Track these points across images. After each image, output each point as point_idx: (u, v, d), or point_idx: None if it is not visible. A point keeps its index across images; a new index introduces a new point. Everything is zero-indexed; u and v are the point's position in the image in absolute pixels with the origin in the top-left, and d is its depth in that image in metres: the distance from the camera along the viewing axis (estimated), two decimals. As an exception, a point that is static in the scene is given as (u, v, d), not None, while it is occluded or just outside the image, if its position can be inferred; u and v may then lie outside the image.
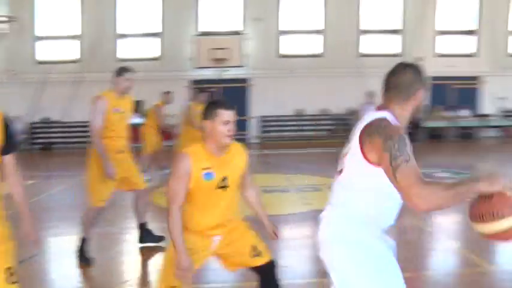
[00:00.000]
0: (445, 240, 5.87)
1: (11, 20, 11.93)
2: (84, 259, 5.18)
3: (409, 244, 5.62)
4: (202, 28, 19.48)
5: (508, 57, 20.41)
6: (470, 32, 20.65)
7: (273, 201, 8.33)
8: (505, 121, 20.13)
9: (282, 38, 19.85)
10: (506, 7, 20.37)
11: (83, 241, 5.23)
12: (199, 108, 8.64)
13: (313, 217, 6.65)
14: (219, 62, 18.61)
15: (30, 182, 10.63)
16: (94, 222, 5.40)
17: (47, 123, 19.14)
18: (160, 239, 5.76)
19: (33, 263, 5.24)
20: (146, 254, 5.63)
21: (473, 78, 20.35)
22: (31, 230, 2.83)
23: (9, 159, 2.71)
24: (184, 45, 19.15)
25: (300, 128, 19.81)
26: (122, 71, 5.44)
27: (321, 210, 6.92)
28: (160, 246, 5.58)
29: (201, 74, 19.12)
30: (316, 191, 9.08)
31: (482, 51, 20.33)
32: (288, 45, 19.88)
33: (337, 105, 19.58)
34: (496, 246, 5.81)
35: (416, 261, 5.08)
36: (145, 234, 5.82)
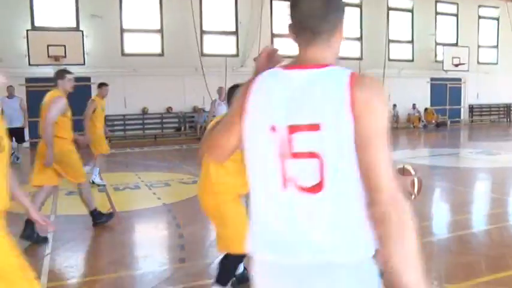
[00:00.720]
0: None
1: None
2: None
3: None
4: (37, 23, 18.49)
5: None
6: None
7: (126, 198, 8.54)
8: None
9: (124, 36, 19.70)
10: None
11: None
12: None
13: (165, 211, 7.13)
14: (56, 59, 17.83)
15: None
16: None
17: None
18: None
19: None
20: None
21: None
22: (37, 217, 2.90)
23: None
24: (18, 41, 17.99)
25: (145, 126, 19.93)
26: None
27: (170, 204, 7.36)
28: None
29: (38, 72, 18.17)
30: (166, 186, 9.41)
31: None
32: (130, 44, 19.81)
33: (181, 104, 20.21)
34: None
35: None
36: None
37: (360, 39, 23.90)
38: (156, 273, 4.87)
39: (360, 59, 23.45)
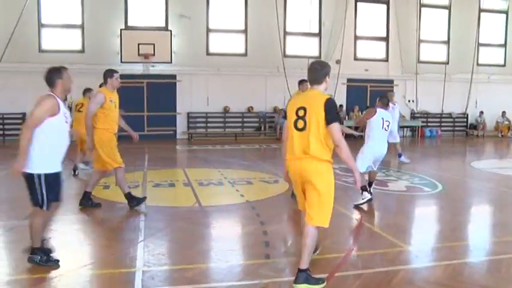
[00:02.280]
0: (369, 225, 6.61)
1: None
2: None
3: (337, 229, 6.34)
4: (129, 23, 19.46)
5: (418, 64, 22.23)
6: (382, 39, 22.27)
7: (210, 193, 8.82)
8: (413, 122, 22.00)
9: (210, 36, 20.25)
10: (417, 17, 22.13)
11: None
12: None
13: (249, 208, 7.30)
14: (146, 57, 18.67)
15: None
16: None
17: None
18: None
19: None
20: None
21: (388, 81, 21.94)
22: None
23: None
24: (111, 39, 19.02)
25: (227, 124, 20.37)
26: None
27: (253, 202, 7.52)
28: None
29: (128, 69, 19.11)
30: (249, 184, 9.61)
31: (393, 56, 22.02)
32: (215, 44, 20.34)
33: (262, 104, 20.49)
34: (409, 229, 6.69)
35: (345, 244, 5.78)
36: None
37: (447, 42, 23.05)
38: (243, 266, 5.02)
39: (446, 63, 22.65)
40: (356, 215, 7.14)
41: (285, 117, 4.76)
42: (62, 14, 19.14)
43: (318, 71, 4.48)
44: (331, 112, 4.23)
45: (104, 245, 5.68)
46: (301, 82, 8.13)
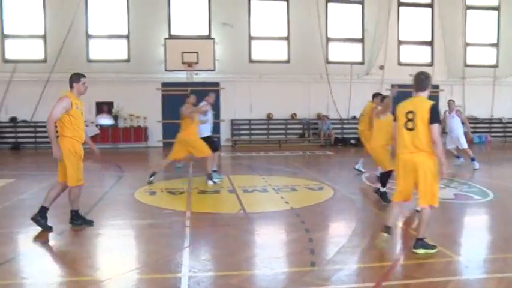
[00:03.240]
0: (415, 234, 6.44)
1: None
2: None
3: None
4: (173, 32, 19.82)
5: (464, 68, 21.65)
6: (427, 43, 21.83)
7: (255, 200, 8.84)
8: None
9: (252, 43, 20.39)
10: (462, 19, 21.59)
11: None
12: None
13: (294, 215, 7.26)
14: (189, 65, 18.96)
15: (10, 180, 10.79)
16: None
17: (14, 123, 18.96)
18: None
19: (13, 264, 5.54)
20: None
21: (433, 86, 21.43)
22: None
23: None
24: (156, 48, 19.42)
25: (270, 131, 20.39)
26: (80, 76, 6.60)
27: (298, 209, 7.48)
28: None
29: (172, 77, 19.47)
30: (293, 191, 9.56)
31: (438, 61, 21.52)
32: (257, 51, 20.46)
33: (305, 110, 20.40)
34: (459, 239, 6.48)
35: (392, 253, 5.66)
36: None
37: (496, 45, 22.36)
38: (287, 274, 4.99)
39: (496, 66, 21.97)
40: (402, 224, 6.98)
41: (394, 119, 5.89)
42: (109, 25, 19.71)
43: (423, 80, 5.63)
44: (434, 115, 5.35)
45: (151, 250, 5.76)
46: (375, 96, 9.47)
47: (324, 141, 19.79)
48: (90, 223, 6.81)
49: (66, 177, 6.52)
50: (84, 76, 6.67)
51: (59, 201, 7.16)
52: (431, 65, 21.66)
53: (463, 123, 13.11)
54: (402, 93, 18.82)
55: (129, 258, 5.56)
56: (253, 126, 20.39)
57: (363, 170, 11.49)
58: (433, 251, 5.47)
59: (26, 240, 6.44)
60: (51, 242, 6.21)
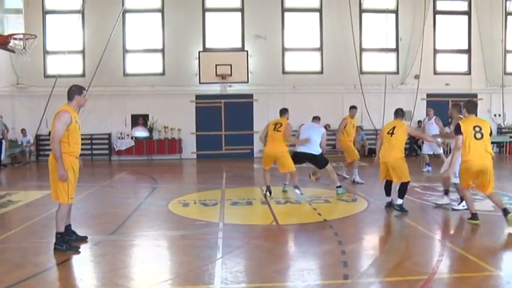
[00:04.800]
0: (453, 247, 6.27)
1: (30, 37, 12.46)
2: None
3: (419, 250, 6.08)
4: (207, 45, 20.08)
5: (503, 76, 21.09)
6: (464, 51, 21.39)
7: (287, 212, 8.82)
8: (500, 137, 20.77)
9: (285, 54, 20.45)
10: (502, 26, 21.08)
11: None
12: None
13: (327, 227, 7.19)
14: (223, 77, 19.14)
15: (48, 192, 11.05)
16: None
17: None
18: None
19: (51, 273, 5.65)
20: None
21: (471, 95, 20.97)
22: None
23: None
24: (190, 61, 19.70)
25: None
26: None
27: (331, 221, 7.39)
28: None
29: (206, 89, 19.69)
30: (326, 202, 9.48)
31: (476, 69, 21.04)
32: (291, 62, 20.50)
33: (339, 121, 20.18)
34: (499, 253, 6.28)
35: (428, 266, 5.51)
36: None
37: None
38: (320, 286, 4.94)
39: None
40: (439, 236, 6.82)
41: (458, 133, 7.18)
42: (144, 39, 20.13)
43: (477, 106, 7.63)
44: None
45: (183, 261, 5.80)
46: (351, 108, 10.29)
47: (358, 152, 19.50)
48: (76, 249, 6.19)
49: (54, 194, 6.18)
50: (85, 89, 6.44)
51: (92, 212, 7.31)
52: (468, 73, 21.22)
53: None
54: (438, 103, 18.69)
55: (162, 268, 5.61)
56: (286, 138, 20.33)
57: (347, 177, 12.48)
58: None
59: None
60: (87, 252, 6.33)
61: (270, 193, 10.11)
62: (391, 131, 8.41)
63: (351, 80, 19.93)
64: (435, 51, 21.10)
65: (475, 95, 20.85)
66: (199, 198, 10.21)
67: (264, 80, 19.74)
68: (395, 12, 20.85)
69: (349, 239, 6.60)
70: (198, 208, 9.21)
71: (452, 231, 7.23)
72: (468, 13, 21.24)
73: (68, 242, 6.23)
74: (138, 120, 19.84)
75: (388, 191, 8.62)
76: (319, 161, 10.54)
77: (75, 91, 6.26)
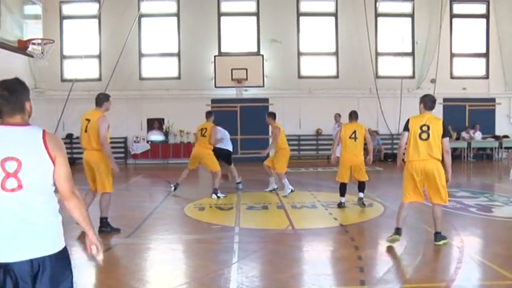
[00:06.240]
0: (472, 254, 6.18)
1: (48, 42, 12.62)
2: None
3: (436, 256, 6.01)
4: (222, 49, 20.14)
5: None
6: (482, 55, 21.14)
7: (303, 216, 8.78)
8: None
9: (301, 59, 20.42)
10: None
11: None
12: None
13: (343, 232, 7.14)
14: (239, 81, 19.17)
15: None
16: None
17: (70, 139, 19.67)
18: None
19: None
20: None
21: (489, 99, 20.75)
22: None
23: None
24: (206, 65, 19.78)
25: (319, 147, 20.24)
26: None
27: (347, 226, 7.40)
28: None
29: (221, 93, 19.73)
30: (342, 207, 9.41)
31: (494, 73, 20.78)
32: (306, 67, 20.47)
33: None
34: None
35: (446, 273, 5.44)
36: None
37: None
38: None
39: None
40: (458, 242, 6.72)
41: (405, 129, 6.51)
42: (160, 43, 20.25)
43: (435, 102, 6.61)
44: (446, 129, 6.36)
45: (199, 265, 5.80)
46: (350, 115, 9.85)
47: (374, 157, 19.39)
48: (118, 230, 7.31)
49: (102, 185, 7.14)
50: (110, 95, 7.49)
51: (110, 215, 7.36)
52: (486, 77, 20.96)
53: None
54: (455, 108, 18.54)
55: (178, 272, 5.62)
56: (302, 142, 20.29)
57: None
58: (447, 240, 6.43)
59: (79, 253, 6.62)
60: (103, 255, 6.36)
61: (175, 189, 11.23)
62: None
63: (367, 84, 19.82)
64: (452, 55, 20.90)
65: (493, 99, 20.63)
66: (215, 202, 10.21)
67: (279, 84, 19.73)
68: (411, 16, 20.70)
69: (365, 244, 6.55)
70: (214, 212, 9.22)
71: (471, 238, 7.11)
72: (486, 16, 21.00)
73: (110, 225, 7.25)
74: (154, 124, 19.94)
75: None
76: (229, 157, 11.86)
77: (103, 98, 7.32)
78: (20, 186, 2.54)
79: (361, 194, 9.38)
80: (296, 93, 19.82)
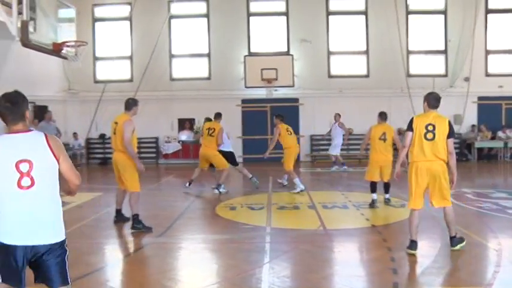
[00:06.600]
0: (510, 257, 6.01)
1: (81, 44, 12.87)
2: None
3: (473, 259, 5.86)
4: (252, 49, 20.15)
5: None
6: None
7: (334, 216, 8.71)
8: None
9: (331, 58, 20.28)
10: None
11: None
12: None
13: (375, 232, 7.04)
14: (269, 81, 19.15)
15: (98, 194, 11.38)
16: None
17: (103, 140, 19.99)
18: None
19: (102, 273, 5.76)
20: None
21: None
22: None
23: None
24: (236, 66, 19.83)
25: (350, 147, 20.02)
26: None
27: (379, 227, 7.30)
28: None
29: (251, 93, 19.75)
30: (374, 208, 9.30)
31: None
32: (336, 66, 20.31)
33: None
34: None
35: (483, 277, 5.29)
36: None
37: None
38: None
39: None
40: (495, 245, 6.53)
41: (409, 129, 6.09)
42: (191, 44, 20.40)
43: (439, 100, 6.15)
44: (452, 129, 6.00)
45: (230, 264, 5.81)
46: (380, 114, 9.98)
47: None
48: (149, 229, 7.44)
49: (129, 185, 7.48)
50: (138, 101, 7.90)
51: (140, 214, 7.46)
52: (524, 74, 20.37)
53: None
54: (491, 107, 18.07)
55: (209, 272, 5.64)
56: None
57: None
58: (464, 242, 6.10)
59: (113, 251, 6.74)
60: (136, 254, 6.45)
61: (190, 185, 11.87)
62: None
63: (398, 84, 19.51)
64: (487, 52, 20.36)
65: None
66: (246, 202, 10.23)
67: (309, 84, 19.63)
68: (444, 12, 20.30)
69: (398, 245, 6.42)
70: (245, 212, 9.23)
71: (509, 240, 6.90)
72: (524, 10, 20.38)
73: (142, 222, 7.42)
74: (185, 124, 20.10)
75: None
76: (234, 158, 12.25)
77: (132, 103, 7.68)
78: (33, 184, 3.07)
79: (387, 195, 9.48)
80: (326, 93, 19.65)
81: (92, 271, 5.48)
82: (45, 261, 3.12)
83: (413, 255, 5.87)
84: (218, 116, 11.81)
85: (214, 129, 11.34)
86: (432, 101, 6.11)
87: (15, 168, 3.04)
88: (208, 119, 12.33)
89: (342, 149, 20.09)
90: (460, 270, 5.36)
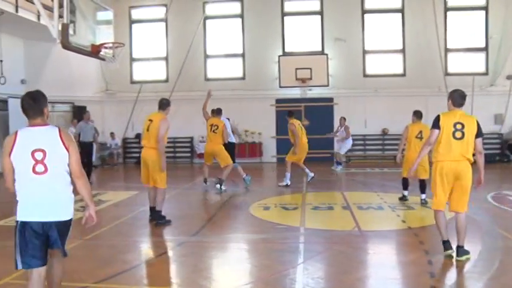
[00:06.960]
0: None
1: (118, 45, 13.13)
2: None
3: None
4: (286, 49, 20.11)
5: None
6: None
7: (369, 217, 8.59)
8: None
9: (366, 57, 20.04)
10: None
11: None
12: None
13: (411, 235, 6.91)
14: (303, 81, 19.07)
15: (135, 192, 11.56)
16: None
17: (139, 139, 20.28)
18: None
19: (138, 270, 5.82)
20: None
21: None
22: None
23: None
24: (270, 65, 19.83)
25: (385, 147, 19.76)
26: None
27: (416, 229, 7.13)
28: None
29: (285, 93, 19.71)
30: (410, 209, 9.14)
31: None
32: (372, 65, 20.05)
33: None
34: None
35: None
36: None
37: None
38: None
39: None
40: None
41: (435, 126, 5.87)
42: (225, 44, 20.51)
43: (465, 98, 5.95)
44: (480, 129, 5.82)
45: (264, 264, 5.80)
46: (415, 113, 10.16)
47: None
48: (169, 221, 7.90)
49: (158, 182, 7.81)
50: (171, 101, 8.30)
51: (175, 213, 7.56)
52: None
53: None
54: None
55: (243, 272, 5.64)
56: (367, 142, 19.91)
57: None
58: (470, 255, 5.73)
59: (148, 249, 6.84)
60: (170, 252, 6.52)
61: (206, 183, 12.30)
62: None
63: (436, 83, 19.09)
64: (530, 50, 19.73)
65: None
66: (280, 202, 10.21)
67: (344, 84, 19.45)
68: (485, 8, 19.76)
69: (436, 248, 6.26)
70: (279, 212, 9.21)
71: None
72: None
73: (164, 217, 7.89)
74: (219, 124, 20.21)
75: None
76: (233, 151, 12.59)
77: (166, 103, 8.07)
78: (46, 170, 3.61)
79: (423, 195, 9.44)
80: (361, 92, 19.43)
81: (128, 268, 5.57)
82: (54, 231, 3.70)
83: (451, 256, 5.71)
84: (219, 112, 12.18)
85: (218, 125, 11.69)
86: (458, 98, 5.91)
87: (31, 156, 3.58)
88: (212, 112, 12.35)
89: (377, 149, 19.89)
90: (502, 276, 5.19)
